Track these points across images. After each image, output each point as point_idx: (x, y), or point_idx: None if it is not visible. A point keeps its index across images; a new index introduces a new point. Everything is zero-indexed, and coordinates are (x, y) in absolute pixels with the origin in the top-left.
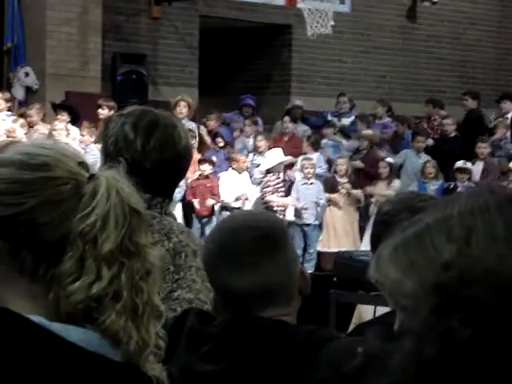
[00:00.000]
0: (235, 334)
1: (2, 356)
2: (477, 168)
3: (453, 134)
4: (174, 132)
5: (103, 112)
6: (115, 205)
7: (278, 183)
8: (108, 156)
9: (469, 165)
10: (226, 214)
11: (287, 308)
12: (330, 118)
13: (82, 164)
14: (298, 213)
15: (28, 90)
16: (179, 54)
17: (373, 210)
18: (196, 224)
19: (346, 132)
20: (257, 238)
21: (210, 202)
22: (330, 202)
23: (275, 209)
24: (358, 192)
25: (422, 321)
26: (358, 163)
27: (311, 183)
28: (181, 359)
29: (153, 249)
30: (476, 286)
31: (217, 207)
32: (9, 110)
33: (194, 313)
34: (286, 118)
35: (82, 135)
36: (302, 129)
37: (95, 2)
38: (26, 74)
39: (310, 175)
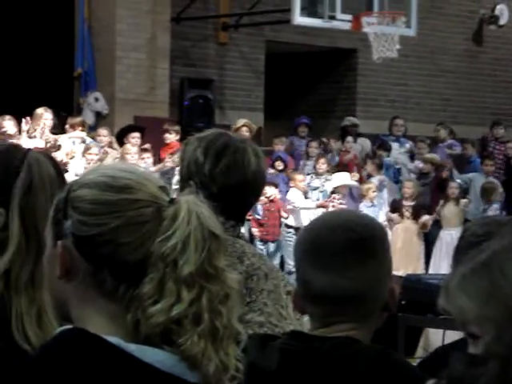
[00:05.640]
0: (295, 364)
1: (79, 377)
2: None
3: None
4: (245, 156)
5: (170, 137)
6: (195, 228)
7: (340, 203)
8: (182, 179)
9: None
10: (292, 235)
11: (362, 322)
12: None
13: (163, 188)
14: None
15: (98, 114)
16: (245, 79)
17: (439, 233)
18: (258, 247)
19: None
20: (353, 241)
21: (284, 216)
22: (391, 222)
23: None
24: (426, 218)
25: (507, 344)
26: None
27: (372, 205)
28: None
29: (231, 273)
30: None
31: (283, 232)
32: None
33: (253, 345)
34: (350, 138)
35: (143, 158)
36: (363, 144)
37: (164, 28)
38: (96, 99)
39: (373, 198)
